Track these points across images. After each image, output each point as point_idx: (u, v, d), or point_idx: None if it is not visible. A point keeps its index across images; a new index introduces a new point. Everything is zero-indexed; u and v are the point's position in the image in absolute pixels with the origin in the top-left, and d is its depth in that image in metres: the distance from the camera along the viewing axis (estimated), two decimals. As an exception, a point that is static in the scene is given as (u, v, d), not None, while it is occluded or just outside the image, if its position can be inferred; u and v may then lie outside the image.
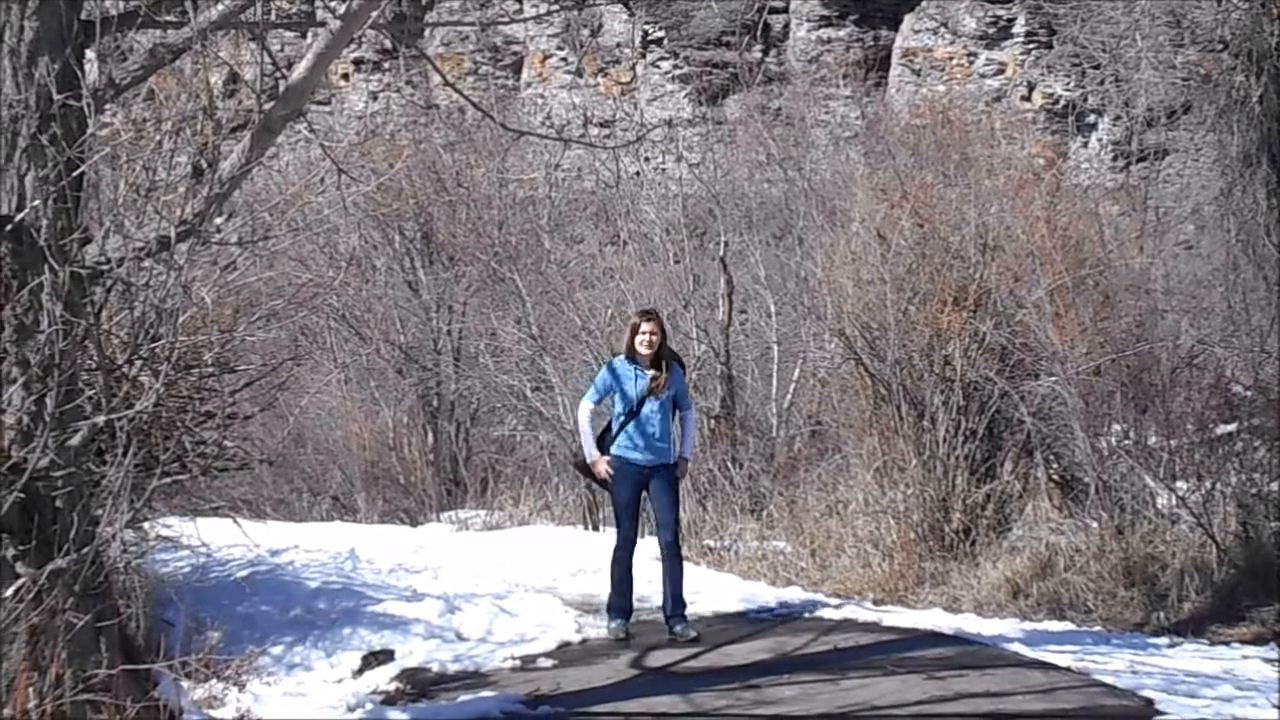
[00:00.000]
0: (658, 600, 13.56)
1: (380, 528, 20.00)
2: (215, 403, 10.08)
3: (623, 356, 11.84)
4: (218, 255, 9.69)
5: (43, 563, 7.04)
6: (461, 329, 25.46)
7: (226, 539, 12.35)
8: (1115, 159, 34.53)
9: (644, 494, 11.81)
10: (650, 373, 11.64)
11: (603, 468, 11.67)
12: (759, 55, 39.09)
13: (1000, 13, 38.67)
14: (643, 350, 11.70)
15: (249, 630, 11.01)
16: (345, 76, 42.25)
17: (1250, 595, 11.75)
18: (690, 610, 11.95)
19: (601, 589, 14.41)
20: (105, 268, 7.44)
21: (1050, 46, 38.09)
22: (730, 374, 20.13)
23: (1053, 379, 14.15)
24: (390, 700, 9.90)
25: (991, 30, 38.82)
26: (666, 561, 11.70)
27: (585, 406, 11.96)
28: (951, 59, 39.13)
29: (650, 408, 11.61)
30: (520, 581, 14.25)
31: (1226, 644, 11.06)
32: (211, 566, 12.02)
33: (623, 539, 11.82)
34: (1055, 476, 14.72)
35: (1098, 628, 11.95)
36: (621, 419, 11.68)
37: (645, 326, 11.73)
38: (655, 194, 24.71)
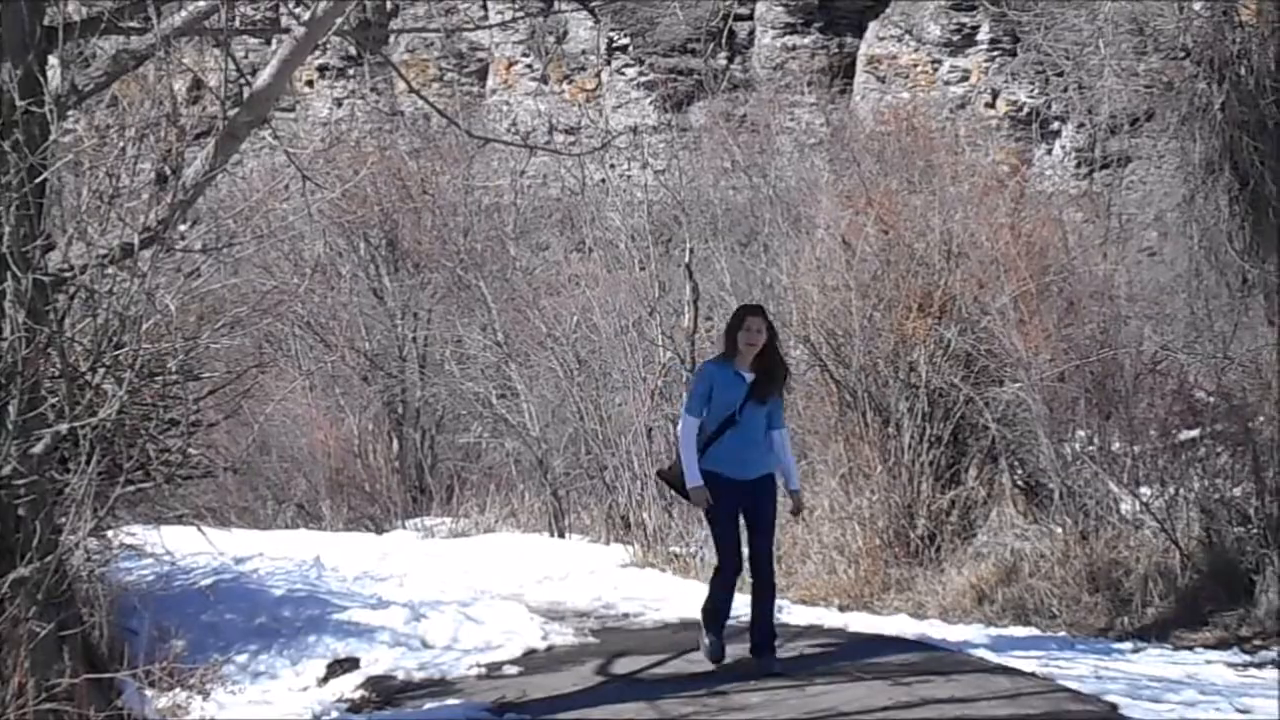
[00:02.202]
0: (625, 607, 13.56)
1: (345, 535, 19.96)
2: (179, 410, 10.03)
3: (719, 358, 10.47)
4: (182, 262, 9.65)
5: (5, 571, 7.01)
6: (427, 336, 25.43)
7: (191, 547, 12.29)
8: (1079, 166, 34.65)
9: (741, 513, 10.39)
10: (751, 376, 10.15)
11: (704, 498, 10.13)
12: (724, 62, 39.08)
13: (964, 20, 38.75)
14: (745, 349, 10.20)
15: (213, 638, 10.97)
16: (310, 83, 42.10)
17: (1214, 600, 11.80)
18: (656, 617, 11.95)
19: (567, 596, 14.43)
20: (68, 275, 7.41)
21: (1014, 54, 38.20)
22: (696, 381, 20.09)
23: (1017, 385, 14.20)
24: (355, 708, 9.88)
25: (956, 38, 38.91)
26: (759, 590, 10.25)
27: (687, 423, 10.29)
28: (916, 66, 39.20)
29: (751, 417, 10.14)
30: (486, 589, 14.23)
31: (1190, 649, 11.11)
32: (176, 574, 11.97)
33: (726, 566, 10.36)
34: (1020, 482, 14.77)
35: (1062, 633, 11.99)
36: (717, 429, 10.16)
37: (751, 322, 10.25)
38: (621, 201, 24.69)
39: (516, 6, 35.01)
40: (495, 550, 17.40)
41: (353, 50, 37.77)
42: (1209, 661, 10.58)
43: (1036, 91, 37.06)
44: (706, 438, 10.17)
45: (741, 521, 10.39)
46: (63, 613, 7.44)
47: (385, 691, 10.32)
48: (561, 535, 19.22)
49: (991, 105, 37.73)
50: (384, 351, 25.79)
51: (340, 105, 41.88)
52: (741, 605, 10.50)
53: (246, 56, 25.97)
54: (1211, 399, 13.39)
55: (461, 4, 40.71)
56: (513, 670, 10.95)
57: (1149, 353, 14.34)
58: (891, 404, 14.72)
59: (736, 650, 10.42)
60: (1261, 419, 12.67)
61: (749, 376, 10.17)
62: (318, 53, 38.49)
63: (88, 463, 7.13)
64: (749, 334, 10.19)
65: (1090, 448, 13.79)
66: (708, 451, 10.15)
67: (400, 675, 10.74)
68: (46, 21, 7.71)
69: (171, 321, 9.02)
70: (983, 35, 38.65)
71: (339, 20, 8.09)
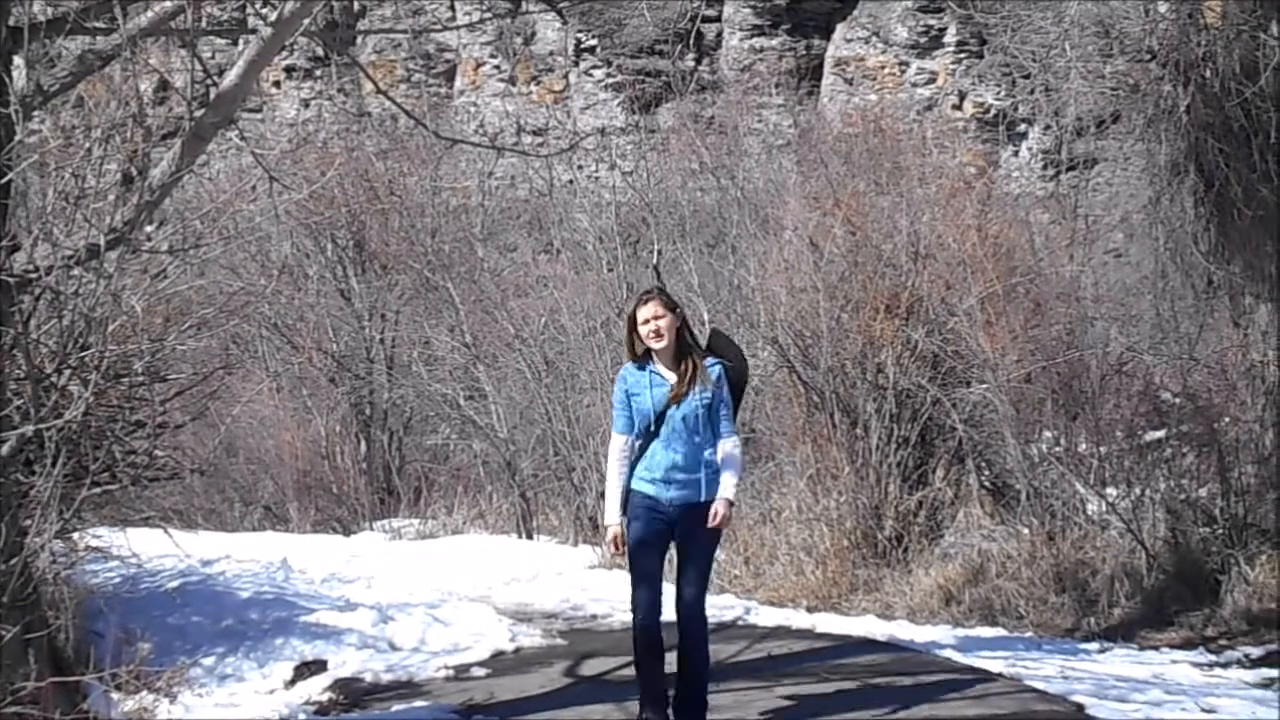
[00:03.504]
0: (592, 609, 13.49)
1: (313, 537, 19.93)
2: (145, 412, 9.99)
3: (630, 362, 8.61)
4: (148, 263, 9.61)
5: (-30, 574, 6.97)
6: (394, 337, 25.37)
7: (157, 549, 12.24)
8: (1045, 168, 34.79)
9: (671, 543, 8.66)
10: (671, 376, 8.44)
11: (613, 537, 8.52)
12: (692, 64, 39.14)
13: (932, 22, 38.89)
14: (654, 345, 8.46)
15: (180, 641, 10.93)
16: (277, 84, 42.02)
17: (1179, 600, 11.86)
18: (624, 618, 11.78)
19: (535, 597, 14.41)
20: (33, 276, 7.38)
21: (981, 56, 38.34)
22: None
23: (984, 386, 14.24)
24: (323, 711, 9.86)
25: (923, 40, 39.05)
26: (686, 648, 8.53)
27: (614, 443, 8.62)
28: (883, 68, 39.33)
29: (675, 424, 8.37)
30: (454, 590, 14.22)
31: (1156, 649, 11.17)
32: (142, 577, 11.91)
33: (640, 605, 8.45)
34: (987, 483, 14.81)
35: (1029, 633, 12.04)
36: (639, 443, 8.50)
37: (645, 311, 8.48)
38: (588, 202, 24.70)
39: (484, 8, 35.02)
40: (463, 552, 17.38)
41: (320, 51, 37.77)
42: (1175, 661, 10.64)
43: (1003, 94, 37.21)
44: (635, 455, 8.53)
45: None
46: (28, 615, 7.41)
47: (353, 694, 10.30)
48: (529, 537, 19.21)
49: (958, 107, 37.88)
50: (351, 353, 25.72)
51: (307, 106, 41.81)
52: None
53: (213, 57, 25.93)
54: (1177, 400, 13.46)
55: (429, 5, 40.68)
56: (481, 672, 10.93)
57: (1115, 354, 14.40)
58: (859, 405, 14.74)
59: (710, 650, 10.40)
60: (1226, 420, 12.74)
61: (670, 377, 8.46)
62: (285, 54, 38.41)
63: (53, 465, 7.11)
64: (648, 326, 8.44)
65: (1057, 448, 13.84)
66: (632, 471, 8.51)
67: (368, 677, 10.71)
68: (11, 22, 7.68)
69: (137, 323, 8.98)
70: (950, 37, 38.81)
71: (306, 21, 8.08)
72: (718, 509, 8.37)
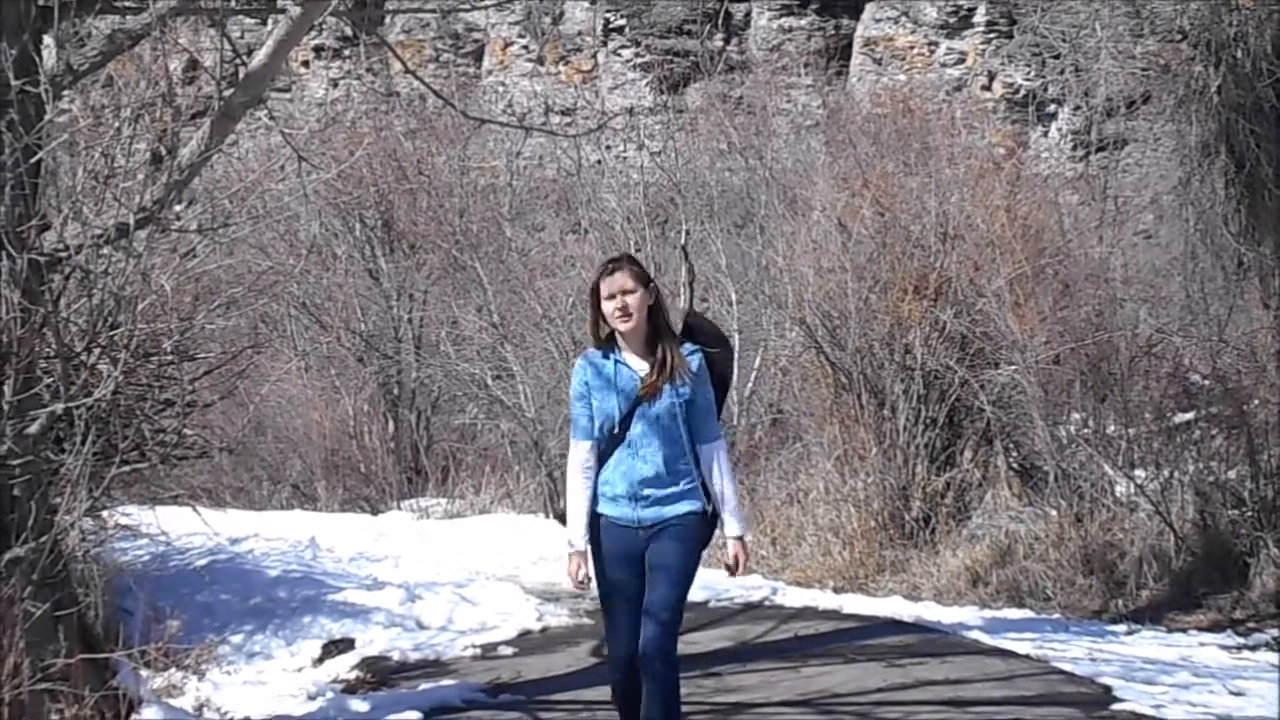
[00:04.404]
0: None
1: (341, 516, 19.98)
2: (174, 390, 10.03)
3: (593, 348, 6.96)
4: (177, 242, 9.63)
5: (1, 551, 7.01)
6: (422, 317, 25.41)
7: (186, 527, 12.30)
8: (1075, 149, 34.63)
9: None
10: (642, 366, 6.80)
11: (575, 570, 6.84)
12: (720, 44, 39.06)
13: (961, 2, 38.75)
14: (620, 326, 6.80)
15: (208, 619, 10.99)
16: (305, 63, 42.06)
17: (1207, 583, 11.82)
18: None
19: (562, 577, 14.41)
20: (63, 255, 7.40)
21: (1010, 36, 38.19)
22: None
23: (1012, 368, 14.20)
24: (351, 689, 9.89)
25: (952, 20, 38.91)
26: (646, 679, 6.68)
27: (574, 454, 6.94)
28: (912, 48, 39.20)
29: (647, 426, 6.76)
30: (481, 570, 14.26)
31: (1184, 631, 11.13)
32: (171, 555, 11.98)
33: (618, 661, 6.91)
34: (1015, 465, 14.78)
35: (1056, 615, 12.01)
36: (604, 450, 6.86)
37: (611, 284, 6.80)
38: (616, 182, 24.67)
39: (513, -13, 34.97)
40: (490, 531, 17.40)
41: (349, 31, 37.74)
42: (1203, 644, 10.59)
43: (1033, 74, 37.04)
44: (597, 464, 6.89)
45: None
46: (58, 593, 7.44)
47: (380, 672, 10.34)
48: (557, 516, 19.22)
49: (988, 87, 37.72)
50: (379, 332, 25.77)
51: (336, 86, 41.85)
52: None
53: (242, 36, 25.97)
54: (1206, 382, 13.40)
55: (457, -16, 40.65)
56: (508, 651, 10.97)
57: (1144, 335, 14.34)
58: (887, 386, 14.73)
59: (736, 630, 10.42)
60: (1256, 402, 12.69)
61: (640, 367, 6.82)
62: (313, 33, 38.38)
63: (83, 443, 7.13)
64: (614, 303, 6.78)
65: (1085, 430, 13.80)
66: (596, 484, 6.87)
67: (395, 656, 10.76)
68: (42, 1, 7.69)
69: (167, 302, 9.02)
70: (979, 17, 38.66)
71: (335, 0, 8.08)
72: (736, 554, 6.85)
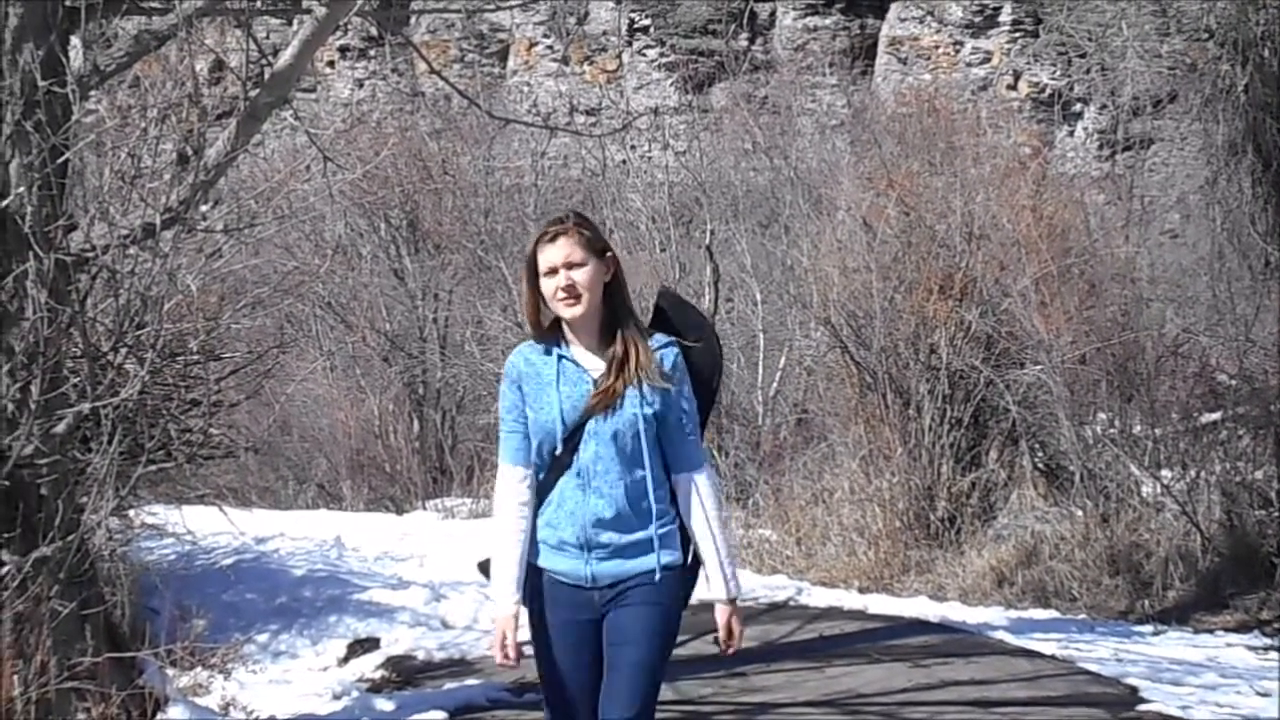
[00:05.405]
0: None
1: (366, 515, 20.01)
2: (200, 390, 10.05)
3: (531, 341, 5.08)
4: (203, 243, 9.65)
5: (27, 550, 7.03)
6: (447, 317, 25.47)
7: (212, 527, 12.35)
8: (1101, 148, 34.57)
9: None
10: (595, 364, 4.96)
11: (502, 641, 5.09)
12: (745, 43, 39.07)
13: (986, 1, 38.72)
14: (565, 311, 4.94)
15: (234, 618, 11.01)
16: (331, 64, 42.17)
17: (1234, 583, 11.79)
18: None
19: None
20: (90, 255, 7.42)
21: (1036, 35, 38.14)
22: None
23: (1038, 367, 14.17)
24: (376, 688, 9.90)
25: (978, 19, 38.88)
26: None
27: (503, 479, 5.04)
28: (938, 48, 39.17)
29: (601, 447, 4.90)
30: (506, 569, 14.23)
31: (1211, 632, 11.10)
32: (197, 554, 12.03)
33: None
34: (1040, 465, 14.75)
35: (1082, 615, 11.99)
36: (544, 478, 5.01)
37: (552, 253, 4.91)
38: (641, 182, 24.72)
39: (538, -13, 35.00)
40: (515, 531, 17.39)
41: (374, 31, 37.76)
42: (1229, 645, 10.56)
43: (1059, 73, 37.00)
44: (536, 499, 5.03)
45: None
46: (84, 592, 7.46)
47: (405, 671, 10.36)
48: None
49: (1013, 87, 37.68)
50: (405, 332, 25.84)
51: (361, 86, 41.95)
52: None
53: (268, 37, 25.99)
54: (1233, 382, 13.37)
55: (482, -15, 40.69)
56: (531, 650, 10.95)
57: (1170, 335, 14.31)
58: (912, 386, 14.70)
59: (761, 630, 10.41)
60: (1283, 402, 12.65)
61: (593, 366, 4.99)
62: (339, 33, 38.53)
63: (109, 442, 7.15)
64: (556, 279, 4.91)
65: (1111, 430, 13.76)
66: (534, 526, 5.03)
67: (420, 655, 10.78)
68: (69, 2, 7.71)
69: (193, 302, 9.06)
70: (1005, 16, 38.61)
71: (360, 1, 8.09)
72: (728, 623, 5.05)
